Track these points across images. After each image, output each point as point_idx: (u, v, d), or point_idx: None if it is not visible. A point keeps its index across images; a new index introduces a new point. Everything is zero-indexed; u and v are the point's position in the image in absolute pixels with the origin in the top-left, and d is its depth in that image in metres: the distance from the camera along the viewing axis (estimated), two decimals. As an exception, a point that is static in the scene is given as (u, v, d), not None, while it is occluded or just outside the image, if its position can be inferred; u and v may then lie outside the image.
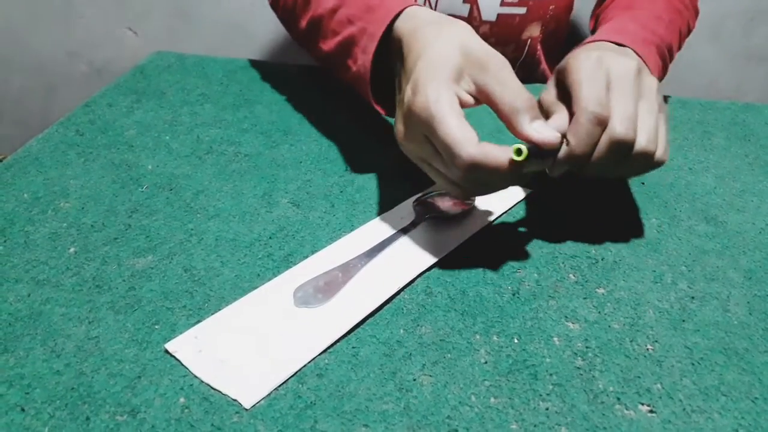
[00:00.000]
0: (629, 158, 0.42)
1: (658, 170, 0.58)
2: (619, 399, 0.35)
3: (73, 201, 0.50)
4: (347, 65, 0.52)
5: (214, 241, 0.46)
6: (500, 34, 0.74)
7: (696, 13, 0.68)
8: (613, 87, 0.43)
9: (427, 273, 0.44)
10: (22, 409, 0.33)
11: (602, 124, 0.41)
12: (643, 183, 0.56)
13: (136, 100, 0.68)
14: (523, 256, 0.46)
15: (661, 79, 0.57)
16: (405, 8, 0.48)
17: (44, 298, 0.40)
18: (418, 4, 0.49)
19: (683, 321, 0.41)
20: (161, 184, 0.53)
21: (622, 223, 0.51)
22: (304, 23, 0.60)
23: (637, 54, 0.48)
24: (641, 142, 0.42)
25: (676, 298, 0.43)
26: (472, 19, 0.72)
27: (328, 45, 0.55)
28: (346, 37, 0.52)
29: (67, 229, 0.47)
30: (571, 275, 0.44)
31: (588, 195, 0.54)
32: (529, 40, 0.76)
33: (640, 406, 0.35)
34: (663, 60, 0.56)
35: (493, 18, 0.72)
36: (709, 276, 0.45)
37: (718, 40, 1.23)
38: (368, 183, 0.55)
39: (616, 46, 0.49)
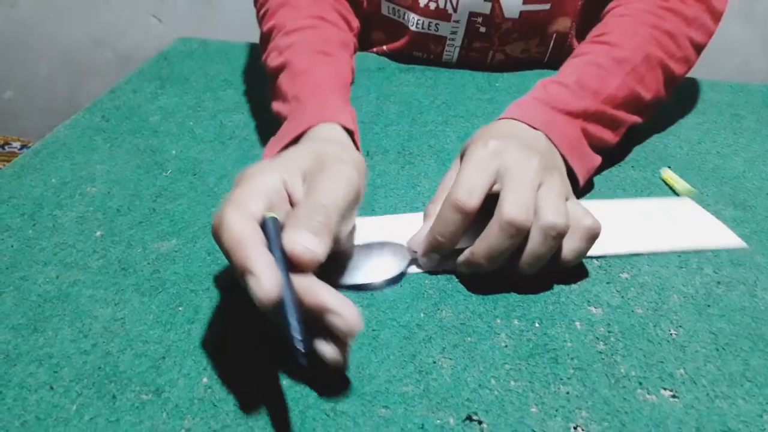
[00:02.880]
0: (542, 241, 0.39)
1: (686, 153, 0.58)
2: (641, 384, 0.35)
3: (100, 185, 0.51)
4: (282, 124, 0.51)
5: (236, 225, 0.47)
6: (523, 30, 0.73)
7: (713, 15, 0.59)
8: (507, 178, 0.40)
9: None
10: (51, 387, 0.34)
11: (460, 211, 0.39)
12: (669, 166, 0.55)
13: (160, 86, 0.69)
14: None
15: (616, 137, 0.53)
16: (317, 124, 0.46)
17: (72, 280, 0.41)
18: (335, 118, 0.47)
19: (708, 306, 0.40)
20: (185, 168, 0.54)
21: (646, 207, 0.50)
22: (262, 60, 0.60)
23: (549, 139, 0.46)
24: (547, 217, 0.38)
25: (702, 283, 0.42)
26: (495, 16, 0.70)
27: (273, 104, 0.54)
28: (278, 111, 0.53)
29: (94, 213, 0.48)
30: (594, 260, 0.44)
31: (614, 179, 0.53)
32: (555, 35, 0.74)
33: (662, 391, 0.34)
34: (608, 122, 0.52)
35: (516, 15, 0.70)
36: (736, 261, 0.44)
37: (751, 21, 1.20)
38: (389, 168, 0.55)
39: (528, 130, 0.46)
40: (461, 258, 0.41)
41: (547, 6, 0.70)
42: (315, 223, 0.32)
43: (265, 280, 0.29)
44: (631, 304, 0.40)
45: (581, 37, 0.79)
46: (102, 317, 0.38)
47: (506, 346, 0.37)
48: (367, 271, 0.42)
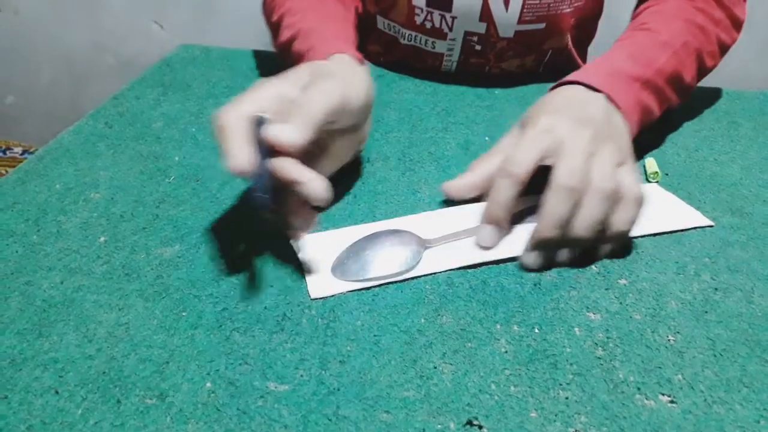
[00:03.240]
0: (593, 204, 0.41)
1: (683, 160, 0.58)
2: (639, 389, 0.35)
3: (103, 191, 0.52)
4: None
5: (239, 231, 0.47)
6: (518, 48, 0.73)
7: (735, 23, 0.64)
8: (559, 151, 0.43)
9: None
10: (56, 392, 0.34)
11: (510, 176, 0.43)
12: (666, 174, 0.56)
13: (163, 93, 0.69)
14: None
15: (660, 112, 0.56)
16: (323, 58, 0.51)
17: (76, 286, 0.42)
18: (340, 51, 0.52)
19: (706, 312, 0.41)
20: (188, 175, 0.54)
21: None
22: (275, 47, 0.67)
23: (611, 99, 0.49)
24: (595, 181, 0.41)
25: (699, 290, 0.43)
26: (490, 35, 0.71)
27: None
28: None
29: (98, 218, 0.48)
30: (593, 266, 0.44)
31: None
32: (551, 51, 0.75)
33: (660, 397, 0.35)
34: (658, 94, 0.55)
35: (510, 35, 0.71)
36: (733, 268, 0.45)
37: (748, 29, 1.20)
38: (390, 174, 0.55)
39: (587, 92, 0.49)
40: (529, 243, 0.43)
41: (541, 25, 0.70)
42: (294, 117, 0.40)
43: (234, 153, 0.37)
44: (630, 310, 0.41)
45: (580, 49, 0.80)
46: (106, 322, 0.39)
47: (506, 352, 0.37)
48: (382, 262, 0.43)
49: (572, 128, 0.44)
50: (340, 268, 0.43)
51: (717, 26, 0.61)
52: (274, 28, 0.67)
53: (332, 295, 0.41)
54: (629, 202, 0.42)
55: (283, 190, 0.41)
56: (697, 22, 0.60)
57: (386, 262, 0.43)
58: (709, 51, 0.60)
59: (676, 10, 0.61)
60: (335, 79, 0.44)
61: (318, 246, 0.45)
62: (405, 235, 0.45)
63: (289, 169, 0.39)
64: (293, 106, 0.41)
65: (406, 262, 0.43)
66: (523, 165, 0.43)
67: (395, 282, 0.42)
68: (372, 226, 0.47)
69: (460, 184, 0.49)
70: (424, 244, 0.45)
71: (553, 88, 0.52)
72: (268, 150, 0.39)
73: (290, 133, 0.39)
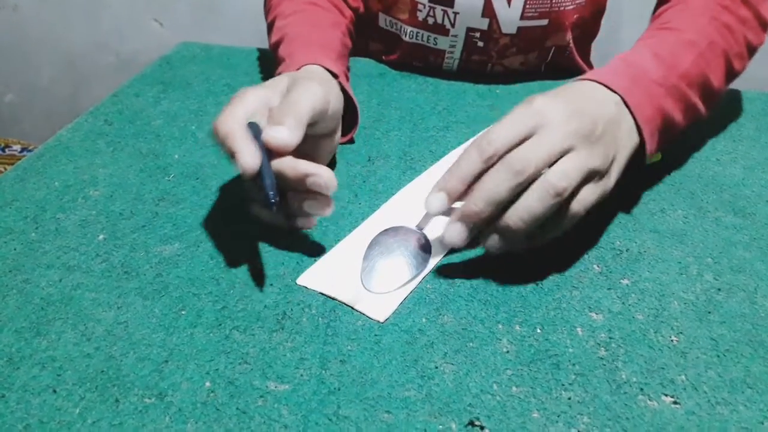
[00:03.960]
0: (537, 196, 0.38)
1: (685, 160, 0.58)
2: (642, 390, 0.35)
3: (102, 189, 0.51)
4: None
5: (239, 230, 0.47)
6: (521, 45, 0.73)
7: (761, 22, 0.59)
8: (536, 134, 0.40)
9: (449, 263, 0.44)
10: (54, 391, 0.34)
11: (476, 153, 0.40)
12: (668, 173, 0.56)
13: (163, 91, 0.69)
14: (547, 246, 0.46)
15: (685, 124, 0.51)
16: (302, 66, 0.54)
17: (75, 284, 0.41)
18: (318, 61, 0.54)
19: (709, 313, 0.40)
20: (187, 173, 0.54)
21: (647, 213, 0.50)
22: (269, 45, 0.68)
23: (625, 103, 0.45)
24: (549, 175, 0.38)
25: (702, 290, 0.42)
26: (492, 32, 0.71)
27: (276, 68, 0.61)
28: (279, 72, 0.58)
29: (97, 216, 0.48)
30: (595, 266, 0.44)
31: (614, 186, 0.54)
32: (553, 48, 0.75)
33: (663, 397, 0.34)
34: (683, 102, 0.50)
35: (513, 31, 0.71)
36: (736, 268, 0.45)
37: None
38: (391, 173, 0.55)
39: (605, 91, 0.46)
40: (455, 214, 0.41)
41: (544, 21, 0.70)
42: (284, 118, 0.41)
43: (245, 155, 0.39)
44: (632, 310, 0.40)
45: (581, 47, 0.80)
46: (105, 321, 0.38)
47: (508, 352, 0.37)
48: (389, 272, 0.43)
49: (562, 115, 0.41)
50: (370, 283, 0.42)
51: (744, 25, 0.57)
52: (269, 28, 0.69)
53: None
54: (566, 212, 0.40)
55: (284, 188, 0.43)
56: (724, 20, 0.55)
57: (408, 262, 0.43)
58: (737, 52, 0.56)
59: (701, 8, 0.56)
60: (316, 82, 0.46)
61: (330, 272, 0.43)
62: (404, 231, 0.45)
63: (296, 164, 0.41)
64: (281, 107, 0.43)
65: (422, 258, 0.44)
66: (495, 142, 0.39)
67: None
68: (366, 229, 0.47)
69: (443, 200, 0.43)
70: (424, 237, 0.45)
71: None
72: (266, 152, 0.41)
73: (285, 134, 0.41)
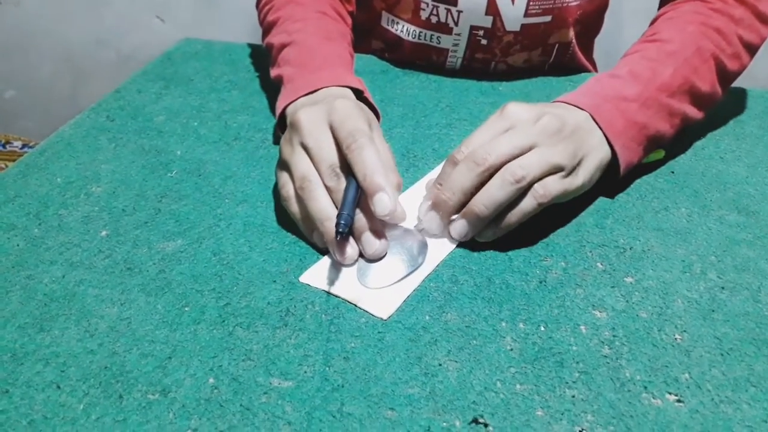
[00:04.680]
0: (498, 184, 0.42)
1: (689, 158, 0.58)
2: (646, 388, 0.35)
3: (105, 185, 0.51)
4: (280, 93, 0.57)
5: (242, 226, 0.47)
6: (525, 42, 0.73)
7: (761, 18, 0.60)
8: (507, 131, 0.44)
9: (452, 261, 0.44)
10: (58, 387, 0.34)
11: (452, 162, 0.45)
12: (672, 172, 0.56)
13: (165, 87, 0.69)
14: (550, 244, 0.46)
15: (673, 129, 0.53)
16: (336, 85, 0.53)
17: (78, 280, 0.41)
18: (351, 84, 0.54)
19: (713, 311, 0.40)
20: (190, 169, 0.54)
21: (651, 212, 0.50)
22: (263, 42, 0.68)
23: (594, 119, 0.48)
24: (511, 164, 0.42)
25: (706, 288, 0.42)
26: (496, 29, 0.70)
27: (273, 70, 0.61)
28: (281, 74, 0.59)
29: (99, 212, 0.48)
30: (598, 264, 0.44)
31: (616, 183, 0.53)
32: (557, 45, 0.75)
33: (667, 396, 0.34)
34: (664, 111, 0.52)
35: (517, 28, 0.70)
36: (740, 266, 0.44)
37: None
38: (394, 170, 0.55)
39: (575, 109, 0.49)
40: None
41: (548, 18, 0.70)
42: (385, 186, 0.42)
43: (392, 199, 0.41)
44: (636, 308, 0.40)
45: (583, 44, 0.79)
46: (108, 317, 0.38)
47: (512, 350, 0.37)
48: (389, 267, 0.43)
49: (530, 114, 0.45)
50: (366, 279, 0.42)
51: (738, 25, 0.58)
52: (269, 26, 0.67)
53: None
54: (533, 197, 0.43)
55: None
56: (713, 24, 0.57)
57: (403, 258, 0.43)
58: (731, 53, 0.57)
59: (690, 14, 0.59)
60: (383, 140, 0.47)
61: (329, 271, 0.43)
62: (401, 231, 0.45)
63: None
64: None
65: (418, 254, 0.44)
66: (470, 146, 0.44)
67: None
68: None
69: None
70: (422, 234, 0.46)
71: None
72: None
73: (391, 206, 0.41)
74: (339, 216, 0.40)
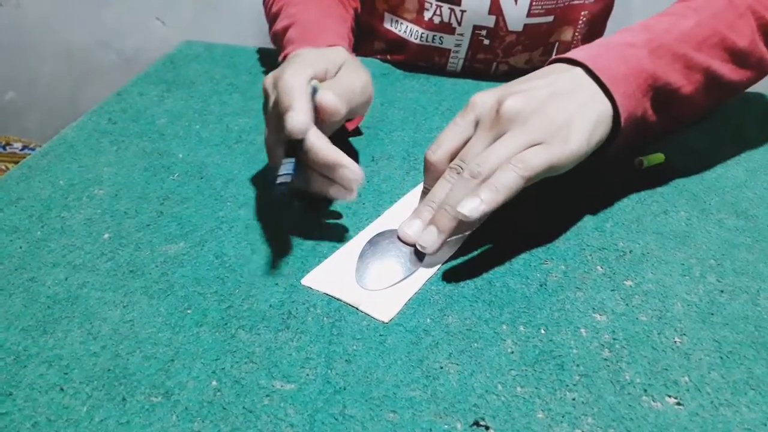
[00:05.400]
0: (453, 177, 0.43)
1: (689, 162, 0.58)
2: (646, 391, 0.35)
3: (107, 188, 0.51)
4: None
5: (244, 229, 0.47)
6: (527, 42, 0.73)
7: None
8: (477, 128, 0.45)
9: (453, 264, 0.44)
10: (62, 389, 0.34)
11: (426, 163, 0.46)
12: (671, 177, 0.56)
13: (166, 90, 0.69)
14: (551, 248, 0.46)
15: (693, 86, 0.48)
16: (329, 47, 0.55)
17: (81, 282, 0.41)
18: (345, 46, 0.56)
19: (712, 314, 0.41)
20: (192, 172, 0.54)
21: (650, 215, 0.50)
22: (270, 35, 0.69)
23: (587, 70, 0.45)
24: (470, 162, 0.42)
25: (705, 292, 0.43)
26: (498, 29, 0.71)
27: (281, 57, 0.61)
28: (286, 53, 0.59)
29: (102, 215, 0.48)
30: (598, 267, 0.44)
31: (616, 187, 0.54)
32: (558, 44, 0.75)
33: (667, 398, 0.35)
34: (680, 61, 0.47)
35: (519, 28, 0.71)
36: (739, 270, 0.45)
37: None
38: (394, 173, 0.55)
39: (566, 66, 0.46)
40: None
41: (550, 18, 0.70)
42: (338, 91, 0.46)
43: (301, 114, 0.42)
44: (636, 311, 0.41)
45: (584, 42, 0.80)
46: (111, 319, 0.39)
47: (512, 352, 0.37)
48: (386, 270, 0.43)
49: (492, 101, 0.44)
50: (364, 280, 0.42)
51: None
52: (273, 17, 0.69)
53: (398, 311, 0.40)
54: (489, 183, 0.40)
55: (310, 167, 0.45)
56: None
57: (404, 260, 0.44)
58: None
59: None
60: (363, 68, 0.51)
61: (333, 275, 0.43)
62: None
63: (332, 151, 0.43)
64: (333, 84, 0.47)
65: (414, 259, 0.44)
66: (436, 150, 0.46)
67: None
68: (371, 232, 0.47)
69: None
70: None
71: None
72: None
73: (338, 102, 0.45)
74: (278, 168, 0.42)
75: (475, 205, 0.39)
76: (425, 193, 0.47)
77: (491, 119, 0.43)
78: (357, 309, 0.40)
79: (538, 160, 0.40)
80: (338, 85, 0.48)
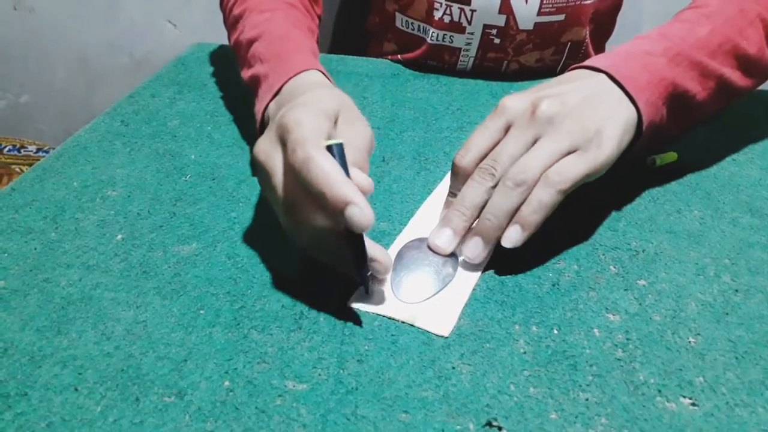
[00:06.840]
0: (502, 191, 0.41)
1: (702, 161, 0.58)
2: (660, 391, 0.35)
3: (120, 189, 0.52)
4: (256, 95, 0.53)
5: (256, 229, 0.47)
6: (537, 41, 0.73)
7: None
8: (508, 132, 0.43)
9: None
10: (76, 389, 0.34)
11: (454, 168, 0.44)
12: (684, 174, 0.55)
13: (178, 91, 0.70)
14: (563, 247, 0.46)
15: (706, 93, 0.49)
16: (305, 71, 0.49)
17: (94, 283, 0.42)
18: (321, 68, 0.50)
19: (727, 314, 0.40)
20: (204, 173, 0.54)
21: (663, 214, 0.50)
22: (231, 42, 0.63)
23: (611, 77, 0.45)
24: (510, 169, 0.41)
25: (719, 291, 0.42)
26: (509, 28, 0.71)
27: (245, 72, 0.57)
28: (255, 74, 0.54)
29: (115, 216, 0.48)
30: (611, 267, 0.44)
31: (629, 186, 0.53)
32: (570, 44, 0.75)
33: (681, 399, 0.34)
34: (697, 69, 0.48)
35: (530, 27, 0.71)
36: (754, 269, 0.44)
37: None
38: (405, 173, 0.55)
39: (589, 73, 0.46)
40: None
41: (561, 17, 0.70)
42: (356, 159, 0.40)
43: (367, 209, 0.35)
44: (649, 311, 0.40)
45: (597, 43, 0.79)
46: (124, 320, 0.39)
47: (525, 353, 0.37)
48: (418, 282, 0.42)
49: (523, 105, 0.43)
50: (399, 292, 0.42)
51: None
52: (234, 21, 0.62)
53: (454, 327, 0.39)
54: (541, 186, 0.40)
55: None
56: None
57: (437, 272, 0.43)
58: None
59: None
60: (363, 120, 0.44)
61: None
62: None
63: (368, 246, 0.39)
64: (349, 149, 0.40)
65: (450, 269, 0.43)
66: (466, 155, 0.44)
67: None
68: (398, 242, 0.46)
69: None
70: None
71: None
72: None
73: (371, 182, 0.40)
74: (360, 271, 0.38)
75: (518, 237, 0.41)
76: (451, 196, 0.45)
77: (527, 120, 0.42)
78: (413, 325, 0.39)
79: (576, 171, 0.41)
80: (352, 150, 0.41)
